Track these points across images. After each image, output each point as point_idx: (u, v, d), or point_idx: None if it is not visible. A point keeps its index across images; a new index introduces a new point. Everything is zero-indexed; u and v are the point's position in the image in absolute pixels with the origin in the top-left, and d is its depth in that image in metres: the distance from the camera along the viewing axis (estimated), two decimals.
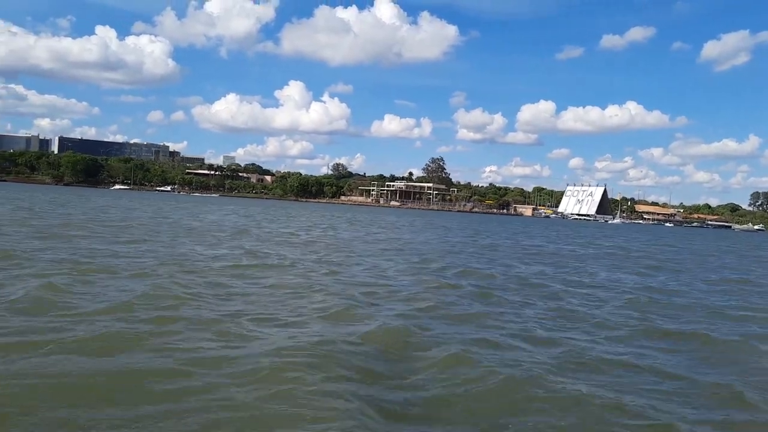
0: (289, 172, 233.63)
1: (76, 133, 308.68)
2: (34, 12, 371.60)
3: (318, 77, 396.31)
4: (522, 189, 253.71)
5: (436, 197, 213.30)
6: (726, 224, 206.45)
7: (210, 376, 6.56)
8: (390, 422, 5.79)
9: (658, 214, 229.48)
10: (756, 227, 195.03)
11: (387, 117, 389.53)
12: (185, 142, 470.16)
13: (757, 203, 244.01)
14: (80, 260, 14.70)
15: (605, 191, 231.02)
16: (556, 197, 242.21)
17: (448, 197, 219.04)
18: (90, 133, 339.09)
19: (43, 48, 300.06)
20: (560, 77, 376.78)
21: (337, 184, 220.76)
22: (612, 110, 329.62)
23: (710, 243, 65.90)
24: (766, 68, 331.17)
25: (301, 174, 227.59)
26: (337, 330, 9.11)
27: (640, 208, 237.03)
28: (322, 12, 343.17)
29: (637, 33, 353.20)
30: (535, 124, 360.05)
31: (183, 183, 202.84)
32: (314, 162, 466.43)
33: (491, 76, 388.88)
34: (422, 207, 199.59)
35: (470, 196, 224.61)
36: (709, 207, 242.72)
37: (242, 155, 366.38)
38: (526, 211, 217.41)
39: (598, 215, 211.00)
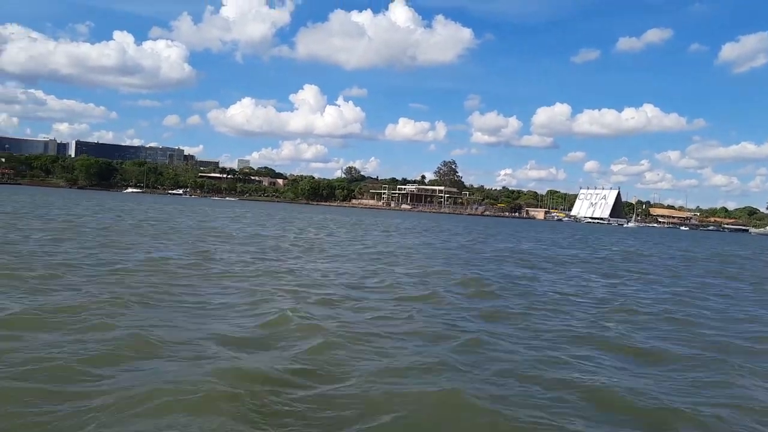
0: (302, 176, 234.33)
1: (94, 138, 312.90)
2: (53, 18, 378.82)
3: (332, 81, 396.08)
4: (535, 192, 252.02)
5: (447, 200, 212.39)
6: (743, 228, 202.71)
7: None
8: None
9: (674, 217, 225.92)
10: None
11: (401, 120, 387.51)
12: (201, 146, 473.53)
13: None
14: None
15: (618, 194, 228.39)
16: (569, 200, 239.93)
17: (460, 200, 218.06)
18: (107, 137, 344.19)
19: (62, 53, 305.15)
20: (576, 80, 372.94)
21: (348, 188, 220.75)
22: (628, 113, 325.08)
23: (705, 247, 64.47)
24: None
25: (313, 177, 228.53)
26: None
27: (655, 211, 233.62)
28: (337, 16, 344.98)
29: (654, 35, 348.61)
30: (550, 127, 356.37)
31: (195, 186, 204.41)
32: (329, 165, 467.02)
33: (506, 79, 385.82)
34: (433, 210, 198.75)
35: (482, 200, 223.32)
36: (726, 210, 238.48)
37: (257, 159, 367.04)
38: (539, 214, 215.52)
39: (611, 218, 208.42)
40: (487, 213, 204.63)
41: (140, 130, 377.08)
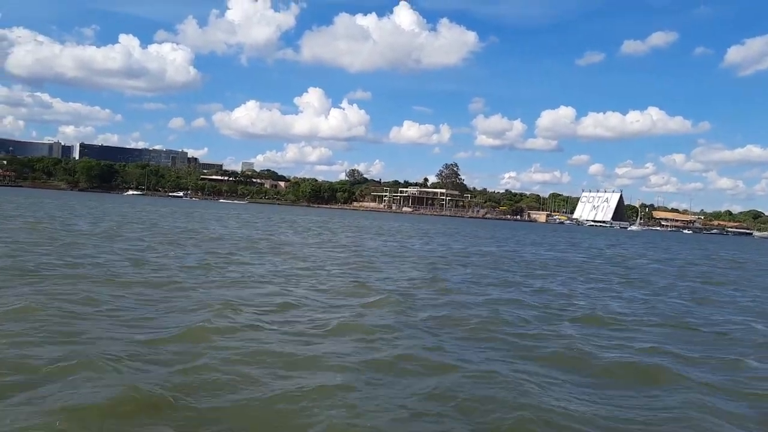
0: (304, 178, 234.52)
1: (99, 140, 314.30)
2: (59, 21, 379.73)
3: (337, 84, 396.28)
4: (538, 195, 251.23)
5: (449, 203, 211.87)
6: (747, 231, 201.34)
7: None
8: None
9: (677, 220, 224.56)
10: None
11: (406, 123, 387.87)
12: (206, 149, 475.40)
13: None
14: None
15: (621, 197, 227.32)
16: (572, 203, 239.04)
17: (461, 203, 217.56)
18: (112, 140, 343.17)
19: (68, 56, 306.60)
20: (580, 83, 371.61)
21: (349, 190, 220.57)
22: (633, 116, 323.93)
23: (694, 250, 63.82)
24: None
25: (315, 180, 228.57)
26: None
27: (658, 214, 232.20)
28: (342, 19, 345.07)
29: (659, 38, 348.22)
30: (555, 130, 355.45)
31: (196, 188, 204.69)
32: (333, 168, 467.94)
33: (510, 82, 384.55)
34: (435, 213, 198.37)
35: (484, 202, 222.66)
36: (731, 214, 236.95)
37: (262, 162, 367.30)
38: (540, 217, 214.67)
39: (614, 221, 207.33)
40: (489, 216, 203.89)
41: (145, 132, 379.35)
